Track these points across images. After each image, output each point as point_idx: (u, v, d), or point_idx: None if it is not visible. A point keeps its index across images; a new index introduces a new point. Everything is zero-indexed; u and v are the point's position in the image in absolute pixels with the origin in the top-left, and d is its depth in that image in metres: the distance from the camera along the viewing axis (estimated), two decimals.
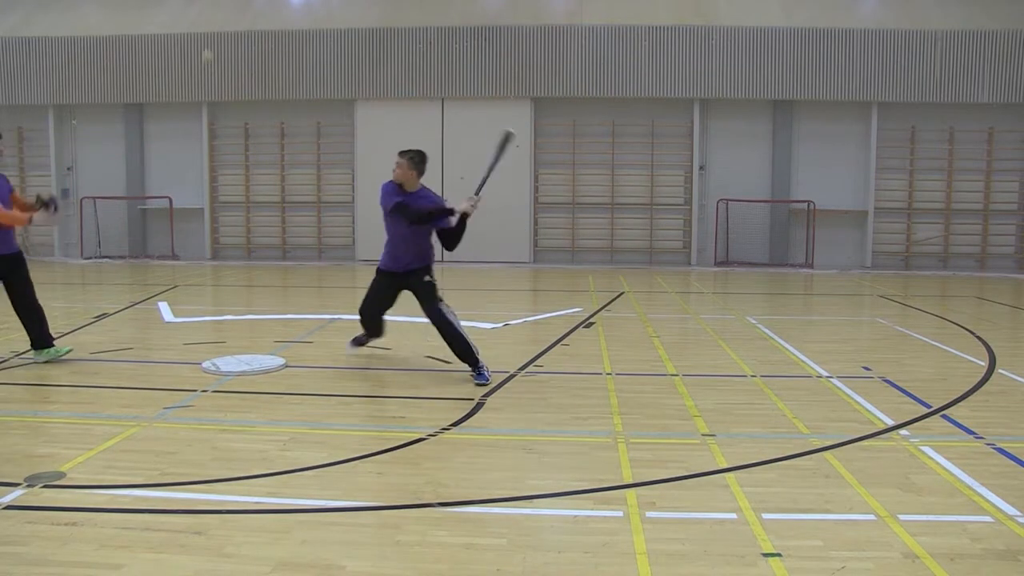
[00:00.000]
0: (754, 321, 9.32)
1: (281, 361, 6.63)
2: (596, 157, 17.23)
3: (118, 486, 3.78)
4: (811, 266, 16.68)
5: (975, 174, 16.66)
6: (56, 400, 5.69)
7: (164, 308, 9.95)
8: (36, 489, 3.72)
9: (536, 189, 17.26)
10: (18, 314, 6.48)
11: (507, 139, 6.02)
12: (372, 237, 17.25)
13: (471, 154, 17.07)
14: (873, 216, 16.81)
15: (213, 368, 6.35)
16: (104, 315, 9.25)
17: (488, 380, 5.90)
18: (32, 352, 6.57)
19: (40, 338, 6.49)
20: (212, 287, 13.06)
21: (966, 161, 16.68)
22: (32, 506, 3.53)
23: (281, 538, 3.22)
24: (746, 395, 5.77)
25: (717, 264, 17.02)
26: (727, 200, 16.95)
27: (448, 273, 14.87)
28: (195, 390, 5.71)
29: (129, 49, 16.95)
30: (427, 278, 6.08)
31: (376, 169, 17.18)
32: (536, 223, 17.38)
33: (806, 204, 16.74)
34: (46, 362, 6.50)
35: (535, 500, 3.67)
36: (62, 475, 3.90)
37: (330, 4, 17.16)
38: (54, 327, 6.89)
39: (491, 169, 5.94)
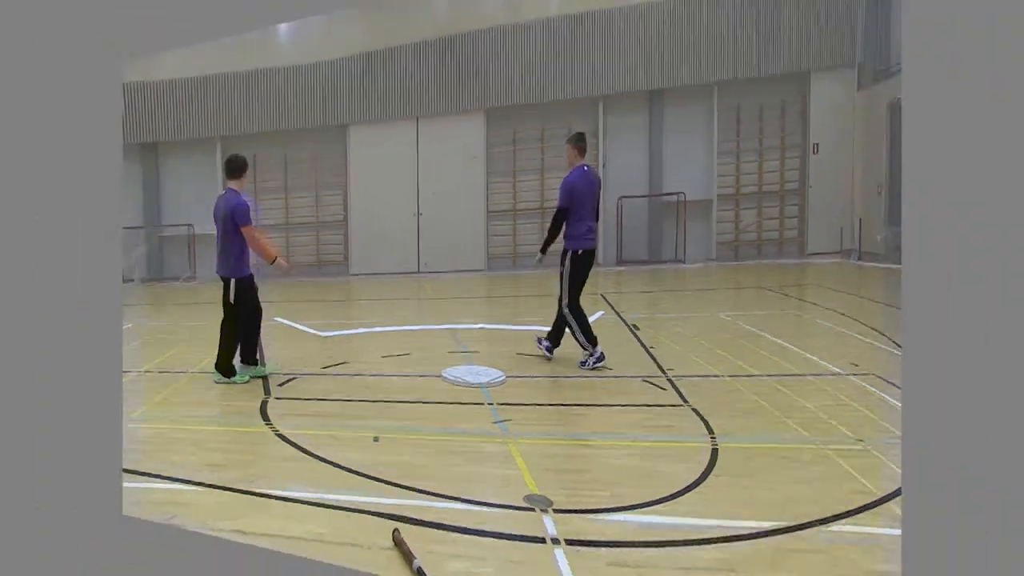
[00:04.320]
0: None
1: (501, 373, 6.57)
2: (530, 163, 18.56)
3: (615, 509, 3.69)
4: (683, 260, 17.37)
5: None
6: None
7: (295, 324, 10.19)
8: (562, 515, 3.61)
9: (487, 198, 18.74)
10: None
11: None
12: (365, 252, 19.51)
13: (439, 170, 18.98)
14: (716, 204, 17.47)
15: (463, 380, 6.38)
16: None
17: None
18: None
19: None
20: (300, 303, 13.43)
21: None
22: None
23: None
24: None
25: (618, 263, 17.78)
26: (624, 197, 17.79)
27: (435, 284, 15.73)
28: (480, 403, 5.72)
29: (142, 93, 18.97)
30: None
31: (366, 190, 19.19)
32: (488, 231, 18.76)
33: (676, 196, 17.48)
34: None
35: None
36: (549, 501, 3.74)
37: (314, 37, 18.64)
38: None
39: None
